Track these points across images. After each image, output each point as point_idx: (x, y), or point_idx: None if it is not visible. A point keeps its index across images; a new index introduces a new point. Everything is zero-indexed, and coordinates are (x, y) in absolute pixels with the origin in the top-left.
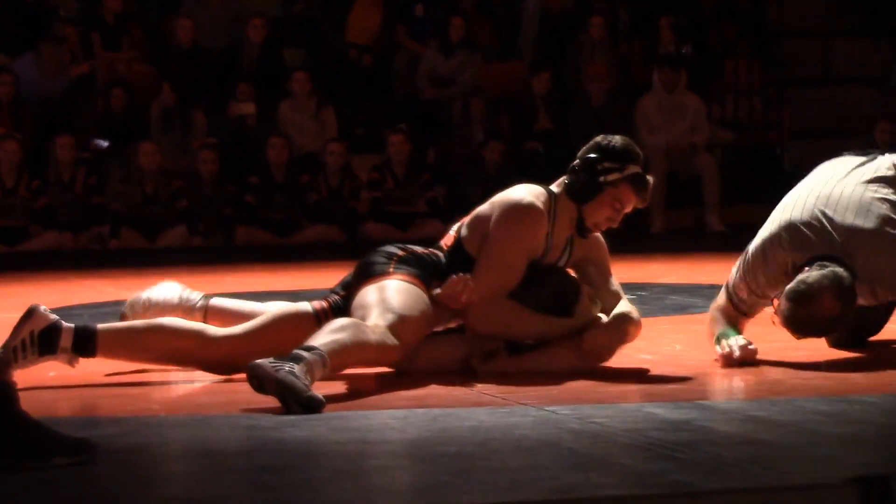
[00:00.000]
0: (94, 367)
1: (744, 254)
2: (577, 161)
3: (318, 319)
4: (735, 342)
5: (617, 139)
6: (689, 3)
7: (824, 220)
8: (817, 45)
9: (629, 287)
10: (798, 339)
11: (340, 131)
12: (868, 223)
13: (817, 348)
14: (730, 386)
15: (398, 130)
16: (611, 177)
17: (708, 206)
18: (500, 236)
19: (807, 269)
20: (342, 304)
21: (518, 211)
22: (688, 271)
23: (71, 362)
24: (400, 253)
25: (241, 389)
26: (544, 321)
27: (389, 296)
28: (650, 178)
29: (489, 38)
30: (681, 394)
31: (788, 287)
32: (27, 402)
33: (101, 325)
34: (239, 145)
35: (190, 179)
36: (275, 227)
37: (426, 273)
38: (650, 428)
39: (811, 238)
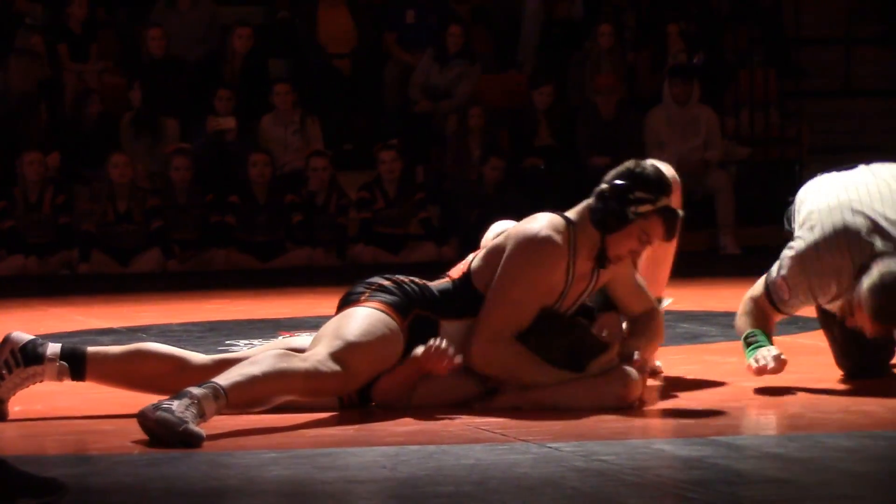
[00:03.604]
0: (65, 402)
1: (788, 255)
2: (606, 187)
3: None
4: (768, 353)
5: (650, 167)
6: (699, 7)
7: (887, 227)
8: (838, 53)
9: None
10: (879, 333)
11: (327, 146)
12: None
13: (838, 380)
14: (746, 421)
15: (389, 146)
16: (642, 208)
17: (722, 227)
18: (511, 272)
19: (875, 264)
20: None
21: (533, 245)
22: (701, 297)
23: (60, 376)
24: (380, 283)
25: (219, 426)
26: (551, 372)
27: (345, 323)
28: (681, 213)
29: (486, 47)
30: (693, 429)
31: (871, 282)
32: None
33: (90, 348)
34: (217, 162)
35: (162, 192)
36: (257, 251)
37: (406, 300)
38: (660, 466)
39: (874, 244)
